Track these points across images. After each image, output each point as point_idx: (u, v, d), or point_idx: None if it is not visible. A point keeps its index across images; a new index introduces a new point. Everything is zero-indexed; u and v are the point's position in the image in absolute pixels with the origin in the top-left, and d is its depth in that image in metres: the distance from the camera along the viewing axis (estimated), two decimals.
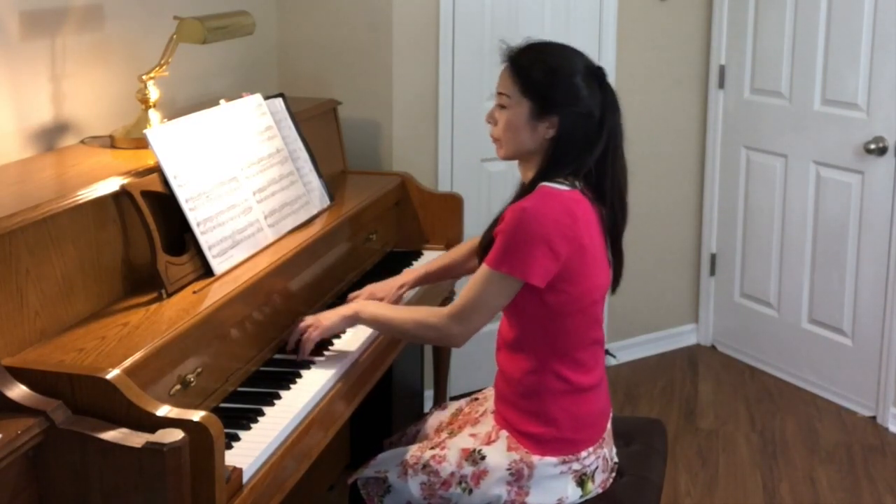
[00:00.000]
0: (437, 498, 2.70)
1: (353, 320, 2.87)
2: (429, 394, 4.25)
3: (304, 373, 2.75)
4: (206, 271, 2.76)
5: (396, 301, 3.15)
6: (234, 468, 2.23)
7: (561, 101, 2.63)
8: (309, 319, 2.87)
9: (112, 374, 2.13)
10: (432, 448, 2.77)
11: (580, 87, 2.64)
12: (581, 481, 2.72)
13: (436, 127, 4.38)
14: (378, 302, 2.99)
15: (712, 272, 5.35)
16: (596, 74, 2.68)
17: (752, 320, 5.18)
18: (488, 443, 2.73)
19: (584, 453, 2.71)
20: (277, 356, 2.86)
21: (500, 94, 2.71)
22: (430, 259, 3.40)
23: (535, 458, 2.67)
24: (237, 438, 2.39)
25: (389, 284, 3.17)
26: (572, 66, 2.67)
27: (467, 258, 3.16)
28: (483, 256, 2.66)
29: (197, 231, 2.76)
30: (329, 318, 2.85)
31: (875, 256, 4.53)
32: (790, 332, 4.97)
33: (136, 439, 2.05)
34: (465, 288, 2.66)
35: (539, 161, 2.69)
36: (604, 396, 2.82)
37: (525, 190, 2.69)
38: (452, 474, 2.69)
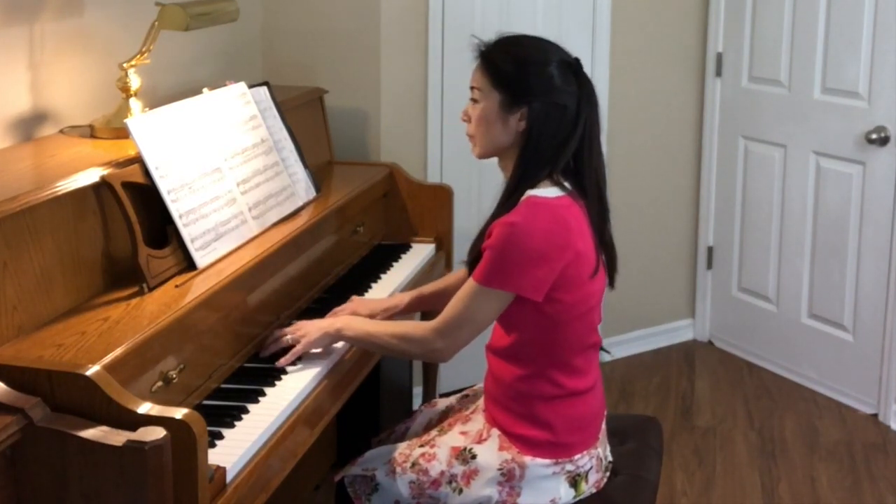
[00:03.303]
0: (427, 497, 2.67)
1: (336, 338, 2.82)
2: (418, 391, 4.21)
3: (289, 369, 2.73)
4: (188, 265, 2.75)
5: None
6: (218, 467, 2.21)
7: (531, 91, 2.62)
8: (288, 330, 2.82)
9: (92, 371, 2.11)
10: (422, 446, 2.75)
11: (552, 77, 2.62)
12: (574, 482, 2.70)
13: (425, 116, 4.34)
14: (361, 318, 2.94)
15: (709, 266, 5.32)
16: (571, 66, 2.66)
17: (750, 315, 5.14)
18: (479, 441, 2.70)
19: (577, 455, 2.69)
20: (262, 352, 2.83)
21: (472, 88, 2.72)
22: (418, 258, 3.40)
23: (527, 459, 2.65)
24: (221, 437, 2.38)
25: (377, 305, 3.06)
26: (544, 57, 2.66)
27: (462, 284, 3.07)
28: (471, 271, 2.63)
29: (179, 223, 2.74)
30: (312, 333, 2.80)
31: (876, 249, 4.50)
32: (789, 328, 4.94)
33: (117, 437, 2.02)
34: (452, 302, 2.64)
35: (515, 157, 2.66)
36: (598, 398, 2.80)
37: (509, 197, 2.65)
38: (442, 473, 2.67)
